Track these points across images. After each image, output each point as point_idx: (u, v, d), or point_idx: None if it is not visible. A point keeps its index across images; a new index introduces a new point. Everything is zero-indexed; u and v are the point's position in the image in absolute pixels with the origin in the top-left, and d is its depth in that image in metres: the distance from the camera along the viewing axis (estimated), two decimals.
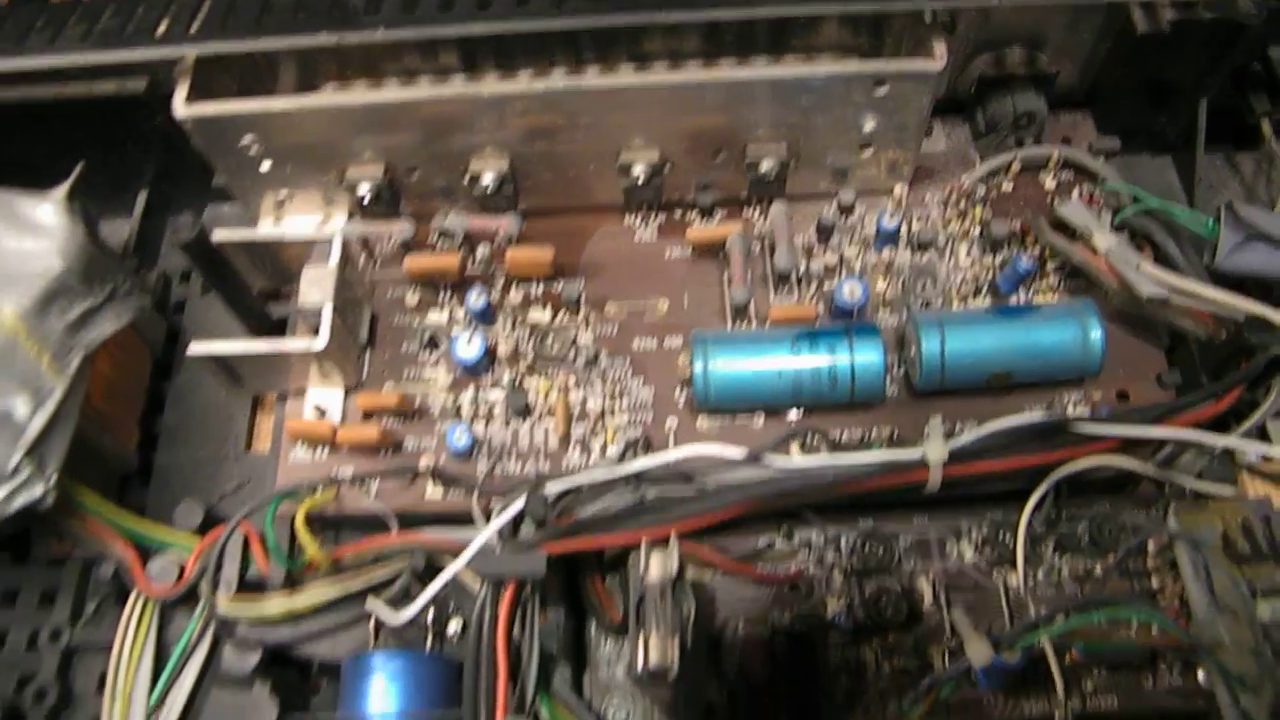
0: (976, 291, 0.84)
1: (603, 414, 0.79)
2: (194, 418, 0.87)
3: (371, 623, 0.77)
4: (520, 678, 0.68)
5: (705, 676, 0.73)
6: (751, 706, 0.74)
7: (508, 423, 0.79)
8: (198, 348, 0.77)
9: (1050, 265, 0.85)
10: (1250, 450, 0.71)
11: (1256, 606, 0.65)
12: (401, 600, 0.72)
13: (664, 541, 0.65)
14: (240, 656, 0.73)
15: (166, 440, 0.87)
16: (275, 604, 0.76)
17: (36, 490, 0.74)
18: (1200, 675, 0.73)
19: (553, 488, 0.70)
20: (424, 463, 0.78)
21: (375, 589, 0.76)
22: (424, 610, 0.76)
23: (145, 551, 0.79)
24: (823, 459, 0.73)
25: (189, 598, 0.78)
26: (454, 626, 0.77)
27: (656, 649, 0.61)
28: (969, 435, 0.72)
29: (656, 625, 0.61)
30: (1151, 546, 0.77)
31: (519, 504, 0.69)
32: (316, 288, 0.78)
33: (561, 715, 0.71)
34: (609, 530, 0.68)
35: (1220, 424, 0.76)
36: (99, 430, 0.82)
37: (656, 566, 0.63)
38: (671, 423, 0.79)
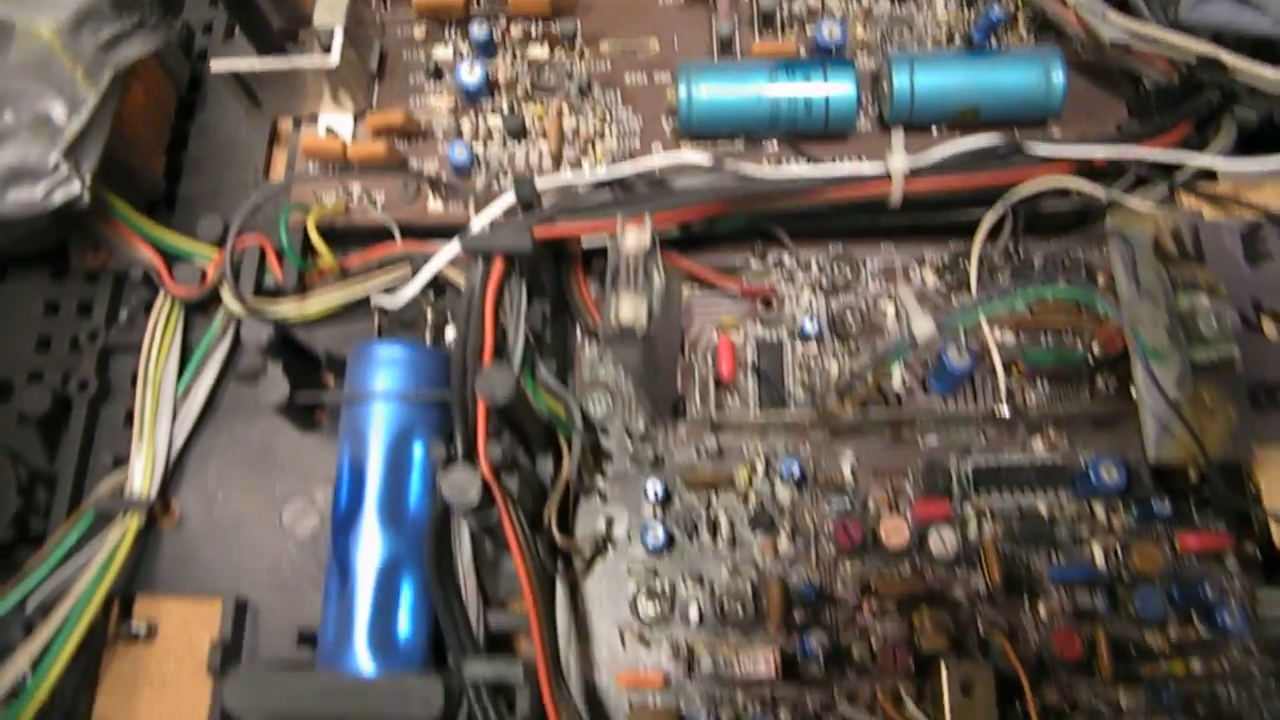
0: (950, 39, 0.89)
1: (592, 138, 0.85)
2: (215, 150, 0.94)
3: (375, 322, 0.85)
4: (506, 352, 0.75)
5: (674, 366, 0.80)
6: (719, 401, 0.81)
7: (504, 144, 0.85)
8: (220, 64, 0.83)
9: (1022, 17, 0.89)
10: (1190, 162, 0.76)
11: (1176, 297, 0.71)
12: None
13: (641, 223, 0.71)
14: (256, 329, 0.79)
15: (190, 170, 0.94)
16: (289, 307, 0.84)
17: (74, 188, 0.81)
18: (1133, 391, 0.79)
19: (542, 184, 0.76)
20: (427, 171, 0.84)
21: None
22: (423, 312, 0.83)
23: (171, 260, 0.86)
24: (792, 168, 0.78)
25: (211, 301, 0.86)
26: (451, 332, 0.84)
27: (628, 307, 0.67)
28: (930, 152, 0.78)
29: (629, 287, 0.68)
30: (1101, 280, 0.83)
31: (510, 195, 0.75)
32: (330, 11, 0.83)
33: (544, 397, 0.78)
34: (591, 216, 0.74)
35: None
36: (129, 150, 0.88)
37: (632, 238, 0.69)
38: (657, 147, 0.85)
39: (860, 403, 0.79)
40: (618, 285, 0.69)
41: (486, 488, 0.68)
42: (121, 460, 0.83)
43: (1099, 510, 0.79)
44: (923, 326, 0.70)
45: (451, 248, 0.75)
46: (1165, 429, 0.70)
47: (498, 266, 0.72)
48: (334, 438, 0.82)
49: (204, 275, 0.85)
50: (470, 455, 0.69)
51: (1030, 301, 0.78)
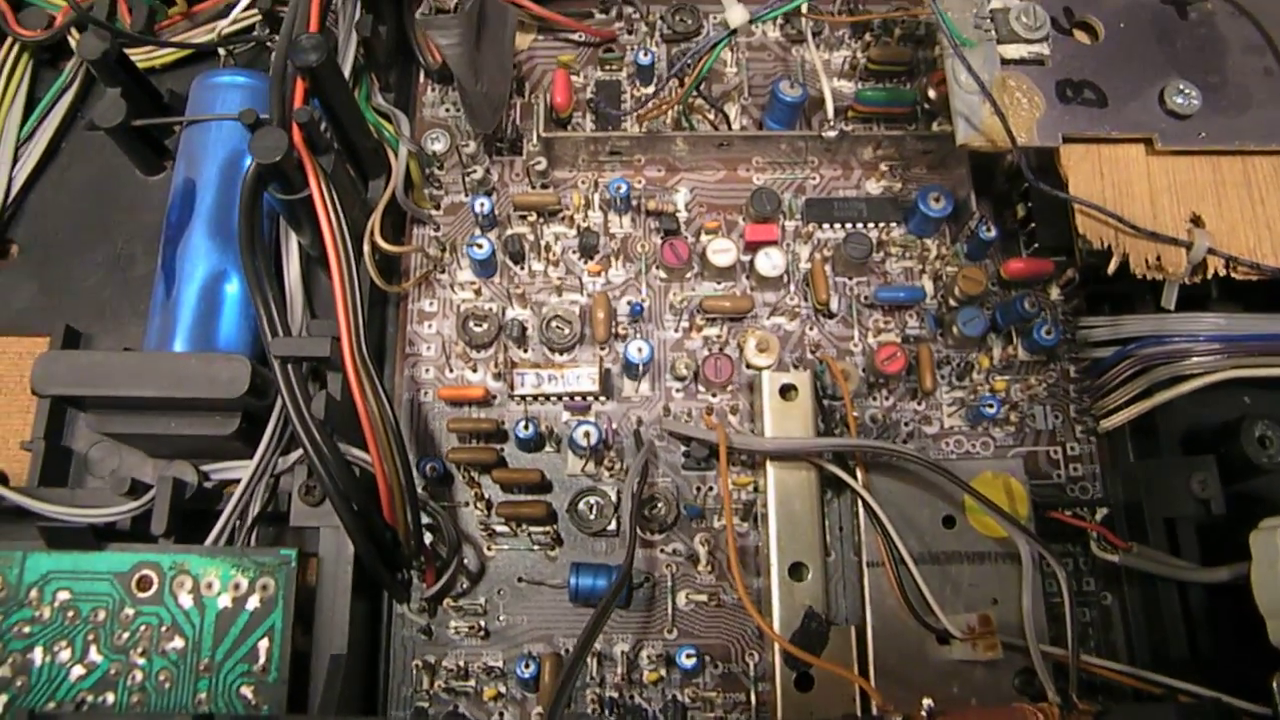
0: None
1: None
2: None
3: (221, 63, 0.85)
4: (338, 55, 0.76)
5: (504, 90, 0.80)
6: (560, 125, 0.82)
7: None
8: None
9: None
10: None
11: None
12: None
13: None
14: (92, 42, 0.78)
15: None
16: (138, 54, 0.85)
17: None
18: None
19: None
20: None
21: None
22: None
23: (18, 6, 0.86)
24: None
25: (62, 56, 0.86)
26: None
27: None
28: None
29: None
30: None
31: None
32: None
33: (372, 114, 0.79)
34: None
35: None
36: None
37: None
38: None
39: (684, 119, 0.80)
40: None
41: (299, 161, 0.68)
42: None
43: (929, 243, 0.80)
44: (735, 13, 0.72)
45: None
46: (973, 115, 0.71)
47: None
48: None
49: (52, 20, 0.85)
50: (283, 124, 0.69)
51: None
